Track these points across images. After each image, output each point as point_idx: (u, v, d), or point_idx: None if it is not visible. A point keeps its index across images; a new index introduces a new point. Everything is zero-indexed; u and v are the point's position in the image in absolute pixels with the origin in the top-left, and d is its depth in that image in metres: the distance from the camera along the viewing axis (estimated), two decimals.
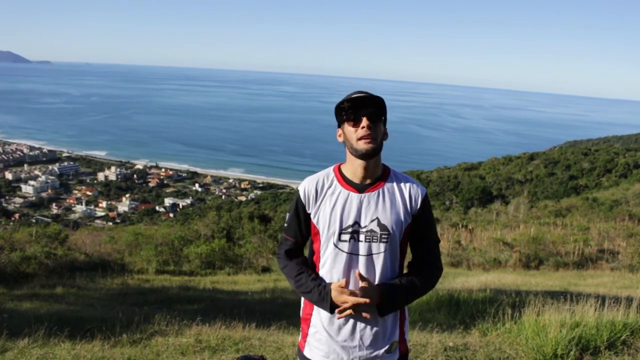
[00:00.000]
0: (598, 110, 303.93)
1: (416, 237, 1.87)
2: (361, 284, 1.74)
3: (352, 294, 1.74)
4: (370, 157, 1.77)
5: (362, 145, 1.75)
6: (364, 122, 1.74)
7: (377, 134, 1.77)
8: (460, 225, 14.92)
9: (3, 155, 71.21)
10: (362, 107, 1.76)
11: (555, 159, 39.47)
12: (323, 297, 1.79)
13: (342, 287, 1.76)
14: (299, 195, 1.87)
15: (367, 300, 1.72)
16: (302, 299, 1.94)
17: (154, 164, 72.21)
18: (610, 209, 17.46)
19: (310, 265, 1.93)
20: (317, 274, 1.88)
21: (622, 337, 3.80)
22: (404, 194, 1.83)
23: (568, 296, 4.75)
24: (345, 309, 1.76)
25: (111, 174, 66.19)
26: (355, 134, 1.77)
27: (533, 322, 3.97)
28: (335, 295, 1.76)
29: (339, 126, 1.84)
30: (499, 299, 5.34)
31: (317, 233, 1.85)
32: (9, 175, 63.55)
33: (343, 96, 1.79)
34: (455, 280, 8.07)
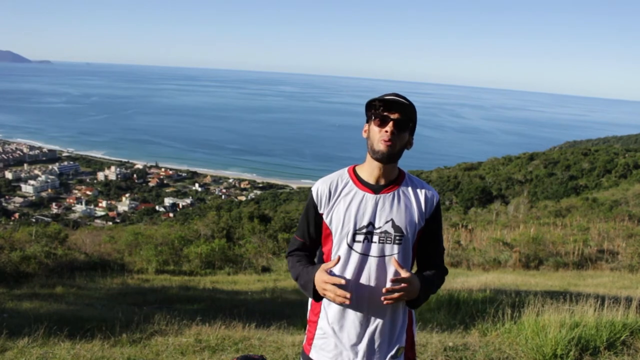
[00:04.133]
0: (598, 110, 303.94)
1: (425, 242, 1.88)
2: (403, 274, 1.71)
3: (360, 289, 1.74)
4: (385, 161, 1.77)
5: (381, 147, 1.75)
6: (389, 126, 1.74)
7: (399, 141, 1.76)
8: (460, 225, 14.91)
9: (3, 155, 71.19)
10: (392, 111, 1.75)
11: (555, 159, 39.46)
12: (310, 277, 1.78)
13: (327, 270, 1.74)
14: (312, 196, 1.86)
15: (348, 294, 1.68)
16: (310, 300, 1.92)
17: (153, 164, 72.22)
18: (610, 209, 17.45)
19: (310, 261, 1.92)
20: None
21: (622, 338, 3.80)
22: (418, 197, 1.84)
23: (568, 296, 4.76)
24: (330, 293, 1.71)
25: (111, 173, 66.21)
26: (378, 135, 1.76)
27: (533, 322, 3.97)
28: (317, 276, 1.74)
29: (367, 122, 1.84)
30: (498, 299, 5.34)
31: (330, 234, 1.83)
32: (8, 175, 63.55)
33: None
34: (455, 280, 8.07)
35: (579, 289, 7.21)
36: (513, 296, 5.43)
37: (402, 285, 1.70)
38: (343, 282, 1.69)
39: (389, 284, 1.74)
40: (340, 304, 1.79)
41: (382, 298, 1.70)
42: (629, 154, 38.75)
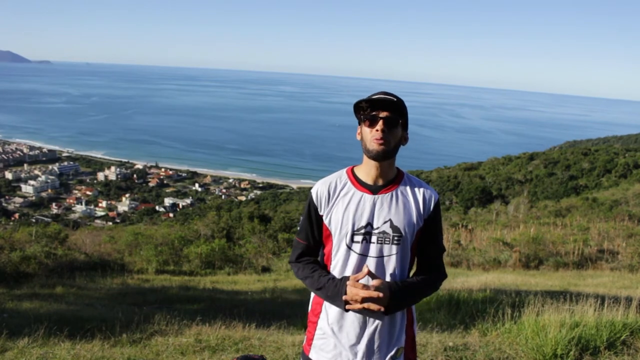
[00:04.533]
0: (598, 110, 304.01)
1: (424, 242, 1.86)
2: (372, 282, 1.72)
3: (365, 287, 1.72)
4: (381, 159, 1.78)
5: (374, 146, 1.76)
6: (379, 125, 1.75)
7: (392, 138, 1.77)
8: (460, 225, 14.91)
9: (3, 155, 71.19)
10: (380, 110, 1.75)
11: (555, 159, 39.45)
12: (339, 290, 1.76)
13: (357, 281, 1.74)
14: (311, 198, 1.86)
15: (380, 294, 1.68)
16: (310, 301, 1.94)
17: (153, 164, 72.24)
18: (610, 209, 17.45)
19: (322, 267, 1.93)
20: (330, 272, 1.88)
21: (622, 337, 3.80)
22: (417, 197, 1.83)
23: (568, 296, 4.76)
24: (356, 303, 1.72)
25: (111, 173, 66.23)
26: (370, 135, 1.77)
27: (533, 322, 3.97)
28: (350, 290, 1.73)
29: (359, 124, 1.84)
30: (498, 299, 5.34)
31: (330, 235, 1.84)
32: (9, 175, 63.56)
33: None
34: (455, 280, 8.07)
35: (579, 289, 7.21)
36: (513, 296, 5.43)
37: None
38: (381, 295, 1.69)
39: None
40: (340, 310, 1.81)
41: (345, 307, 1.71)
42: (629, 153, 38.76)
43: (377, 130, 1.75)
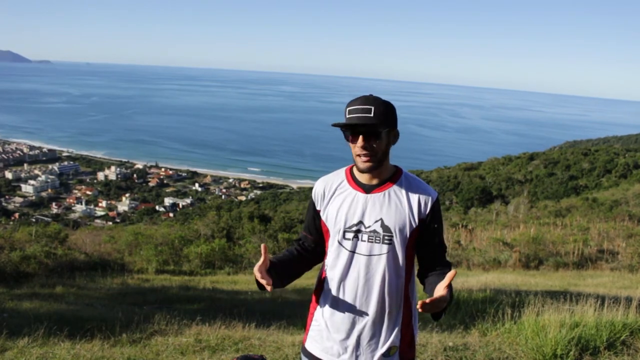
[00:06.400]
0: (598, 110, 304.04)
1: (424, 243, 1.84)
2: (438, 293, 1.59)
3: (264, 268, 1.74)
4: (369, 171, 1.78)
5: (361, 164, 1.76)
6: (360, 141, 1.72)
7: (376, 150, 1.74)
8: (460, 225, 14.89)
9: (3, 155, 71.19)
10: (358, 125, 1.71)
11: (555, 159, 39.46)
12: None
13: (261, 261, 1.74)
14: (312, 194, 1.95)
15: (264, 282, 1.68)
16: (312, 296, 2.00)
17: (153, 164, 72.24)
18: (610, 209, 17.45)
19: (312, 262, 2.00)
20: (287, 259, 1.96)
21: (622, 337, 3.80)
22: (412, 197, 1.80)
23: (568, 296, 4.76)
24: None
25: (111, 173, 66.24)
26: (354, 150, 1.76)
27: (533, 322, 3.97)
28: (255, 267, 1.74)
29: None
30: (498, 299, 5.33)
31: (327, 231, 1.89)
32: (8, 175, 63.58)
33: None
34: (455, 280, 8.05)
35: (579, 289, 7.20)
36: (513, 296, 5.42)
37: (436, 303, 1.57)
38: (262, 273, 1.69)
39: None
40: (332, 304, 1.85)
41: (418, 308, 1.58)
42: (629, 154, 38.79)
43: (360, 147, 1.73)
